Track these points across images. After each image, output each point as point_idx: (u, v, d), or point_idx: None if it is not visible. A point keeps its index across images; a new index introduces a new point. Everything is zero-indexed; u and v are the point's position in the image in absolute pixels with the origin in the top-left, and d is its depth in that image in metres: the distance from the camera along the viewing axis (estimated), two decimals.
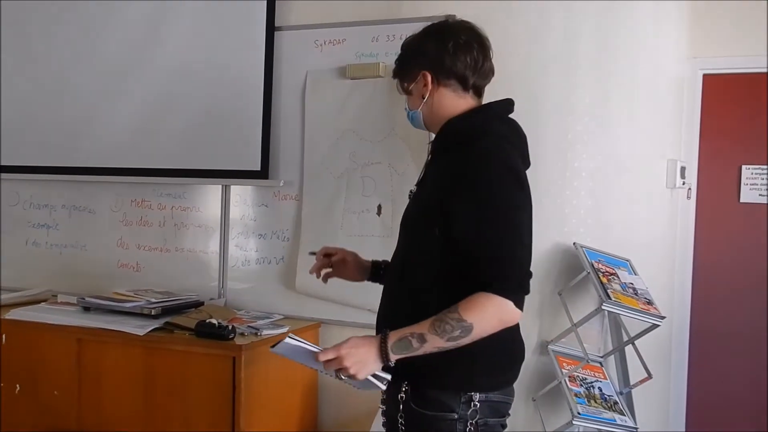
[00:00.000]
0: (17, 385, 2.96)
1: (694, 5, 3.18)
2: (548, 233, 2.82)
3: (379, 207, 2.97)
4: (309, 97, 3.10)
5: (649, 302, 2.67)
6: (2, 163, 3.64)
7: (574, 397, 2.56)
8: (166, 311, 2.91)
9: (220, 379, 2.62)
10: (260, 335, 2.73)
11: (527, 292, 1.71)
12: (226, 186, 3.27)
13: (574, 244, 2.78)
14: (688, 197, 3.31)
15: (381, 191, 2.97)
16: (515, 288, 1.68)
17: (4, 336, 2.98)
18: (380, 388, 1.72)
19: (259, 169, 3.14)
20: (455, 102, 1.87)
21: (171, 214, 3.38)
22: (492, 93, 2.83)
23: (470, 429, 1.77)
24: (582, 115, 2.81)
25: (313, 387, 3.08)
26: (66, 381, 2.90)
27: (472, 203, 1.70)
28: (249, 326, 2.81)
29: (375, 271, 2.14)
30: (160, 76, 3.33)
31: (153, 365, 2.76)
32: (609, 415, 2.57)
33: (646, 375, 2.62)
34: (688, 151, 3.29)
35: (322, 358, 1.68)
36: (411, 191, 1.94)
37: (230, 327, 2.68)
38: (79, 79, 3.49)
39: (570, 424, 2.51)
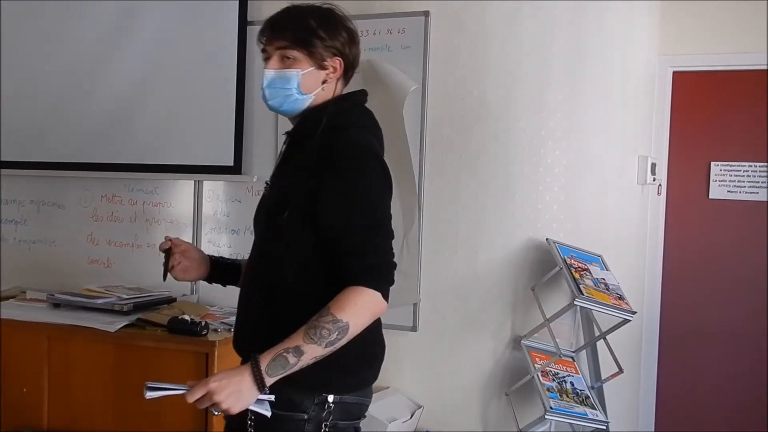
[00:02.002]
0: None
1: (664, 4, 3.22)
2: (521, 229, 2.84)
3: None
4: None
5: (621, 297, 2.70)
6: None
7: (547, 392, 2.58)
8: (138, 307, 2.88)
9: (193, 375, 2.59)
10: (233, 331, 2.71)
11: (392, 283, 1.68)
12: (198, 181, 3.24)
13: (546, 239, 2.80)
14: (659, 193, 3.35)
15: None
16: (384, 280, 1.65)
17: None
18: (265, 415, 1.59)
19: (232, 164, 3.12)
20: (331, 90, 1.79)
21: (142, 209, 3.34)
22: (466, 90, 2.86)
23: (322, 430, 1.70)
24: (554, 111, 2.83)
25: None
26: (35, 378, 2.86)
27: (340, 193, 1.64)
28: (222, 322, 2.79)
29: (214, 268, 1.97)
30: (132, 70, 3.28)
31: (124, 362, 2.73)
32: (581, 409, 2.59)
33: (617, 369, 2.65)
34: (659, 148, 3.33)
35: (191, 399, 1.54)
36: (266, 183, 1.84)
37: (203, 323, 2.66)
38: (49, 73, 3.43)
39: (542, 418, 2.53)
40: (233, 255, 3.17)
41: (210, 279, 1.97)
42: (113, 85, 3.31)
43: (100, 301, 2.89)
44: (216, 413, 1.57)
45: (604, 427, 2.64)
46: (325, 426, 1.70)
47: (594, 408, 2.66)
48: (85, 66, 3.35)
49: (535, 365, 2.68)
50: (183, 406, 2.41)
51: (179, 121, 3.21)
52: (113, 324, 2.74)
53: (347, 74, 1.81)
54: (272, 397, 1.58)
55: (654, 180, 3.21)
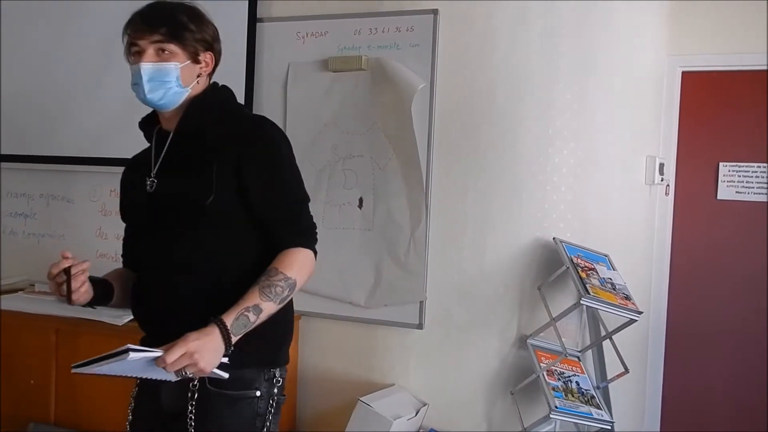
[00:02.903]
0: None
1: (673, 4, 3.20)
2: (528, 228, 2.84)
3: (361, 200, 2.97)
4: (291, 90, 3.09)
5: (627, 297, 2.70)
6: None
7: (552, 391, 2.59)
8: None
9: None
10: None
11: (317, 242, 1.81)
12: None
13: (553, 239, 2.80)
14: (667, 194, 3.34)
15: (362, 184, 2.97)
16: (314, 240, 1.80)
17: None
18: (223, 377, 1.62)
19: None
20: (204, 84, 1.86)
21: None
22: (474, 88, 2.86)
23: (271, 407, 1.78)
24: (562, 111, 2.83)
25: (292, 378, 3.08)
26: (43, 371, 2.88)
27: (268, 170, 1.75)
28: None
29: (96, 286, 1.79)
30: None
31: None
32: (586, 409, 2.60)
33: (623, 369, 2.65)
34: (667, 148, 3.32)
35: (171, 359, 1.52)
36: (151, 181, 1.81)
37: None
38: (59, 68, 3.45)
39: (547, 417, 2.53)
40: None
41: (93, 301, 1.78)
42: (123, 80, 3.30)
43: None
44: (190, 374, 1.57)
45: (609, 427, 2.64)
46: (272, 401, 1.79)
47: (599, 408, 2.66)
48: (96, 61, 3.36)
49: (541, 364, 2.68)
50: None
51: None
52: (121, 317, 2.76)
53: (214, 70, 1.88)
54: (226, 360, 1.61)
55: (662, 180, 3.20)
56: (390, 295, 2.91)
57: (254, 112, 3.12)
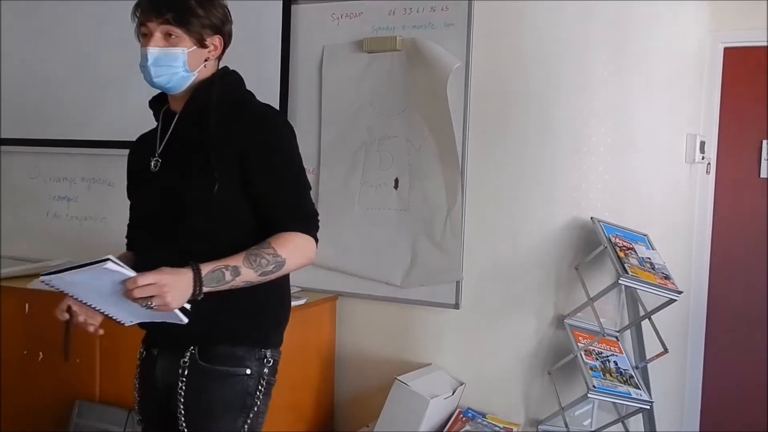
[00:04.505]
0: (40, 353, 3.01)
1: None
2: (565, 208, 2.82)
3: (396, 180, 2.97)
4: (326, 72, 3.10)
5: (667, 277, 2.67)
6: (21, 137, 3.67)
7: (590, 371, 2.58)
8: None
9: None
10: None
11: (318, 229, 1.81)
12: None
13: (591, 218, 2.77)
14: (708, 172, 3.28)
15: (398, 165, 2.97)
16: (316, 228, 1.79)
17: (27, 305, 3.03)
18: (182, 321, 1.60)
19: None
20: (212, 67, 1.85)
21: None
22: (509, 67, 2.84)
23: (261, 387, 1.77)
24: (599, 89, 2.80)
25: (330, 358, 3.12)
26: (87, 350, 2.95)
27: (270, 159, 1.75)
28: None
29: None
30: None
31: None
32: (624, 388, 2.58)
33: (662, 350, 2.62)
34: (708, 126, 3.26)
35: (141, 282, 1.52)
36: (155, 160, 1.83)
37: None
38: (101, 52, 3.50)
39: (585, 397, 2.52)
40: None
41: None
42: None
43: None
44: (152, 305, 1.54)
45: (648, 407, 2.62)
46: (263, 381, 1.78)
47: (638, 388, 2.64)
48: (134, 46, 3.39)
49: (578, 344, 2.67)
50: None
51: None
52: None
53: (224, 52, 1.87)
54: (189, 306, 1.61)
55: (703, 158, 3.15)
56: (426, 275, 2.92)
57: (290, 94, 3.14)
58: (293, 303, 2.78)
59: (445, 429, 2.77)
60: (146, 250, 1.85)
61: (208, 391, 1.74)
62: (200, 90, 1.80)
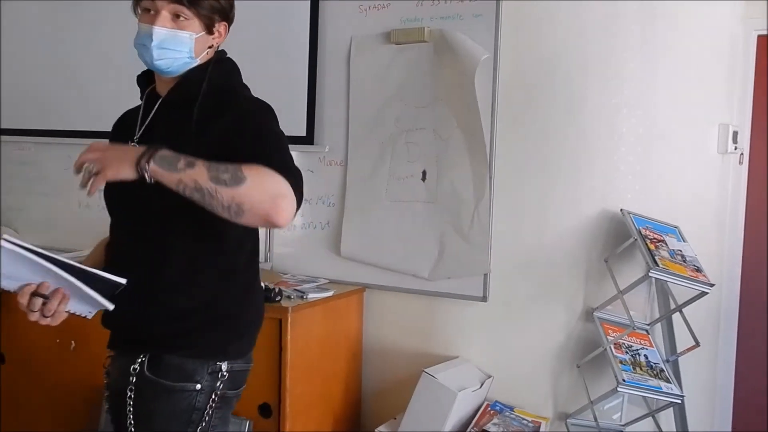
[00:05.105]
0: (72, 342, 3.05)
1: None
2: (594, 199, 2.79)
3: (424, 173, 2.97)
4: (354, 63, 3.10)
5: (698, 269, 2.63)
6: (53, 128, 3.72)
7: (620, 364, 2.55)
8: None
9: (267, 340, 2.66)
10: (306, 298, 2.77)
11: (298, 208, 1.56)
12: None
13: (621, 210, 2.74)
14: (741, 163, 3.23)
15: (426, 157, 2.96)
16: (297, 187, 1.53)
17: None
18: (108, 307, 1.54)
19: (304, 134, 3.15)
20: (212, 54, 1.76)
21: None
22: (537, 58, 2.81)
23: (211, 401, 1.68)
24: (628, 78, 2.76)
25: (357, 350, 3.12)
26: None
27: (263, 147, 1.59)
28: (295, 289, 2.85)
29: None
30: None
31: None
32: (655, 382, 2.55)
33: (693, 343, 2.59)
34: (741, 116, 3.20)
35: (89, 148, 1.48)
36: (133, 144, 1.72)
37: (277, 290, 2.72)
38: (126, 46, 3.52)
39: (615, 391, 2.50)
40: (305, 225, 3.22)
41: None
42: None
43: None
44: (92, 171, 1.46)
45: (680, 401, 2.59)
46: (215, 395, 1.69)
47: (669, 381, 2.61)
48: None
49: (608, 337, 2.64)
50: (258, 369, 2.47)
51: (252, 92, 3.25)
52: None
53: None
54: (111, 306, 1.55)
55: (735, 149, 3.10)
56: (454, 268, 2.91)
57: (317, 86, 3.14)
58: (320, 295, 2.83)
59: (473, 422, 2.76)
60: (118, 241, 1.78)
61: (152, 403, 1.66)
62: (190, 77, 1.70)
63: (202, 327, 1.67)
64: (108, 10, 3.57)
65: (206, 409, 1.68)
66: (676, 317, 2.70)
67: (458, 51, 2.85)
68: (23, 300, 1.52)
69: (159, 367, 1.64)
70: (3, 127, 3.86)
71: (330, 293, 2.89)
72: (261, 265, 3.25)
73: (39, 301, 1.52)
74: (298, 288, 2.87)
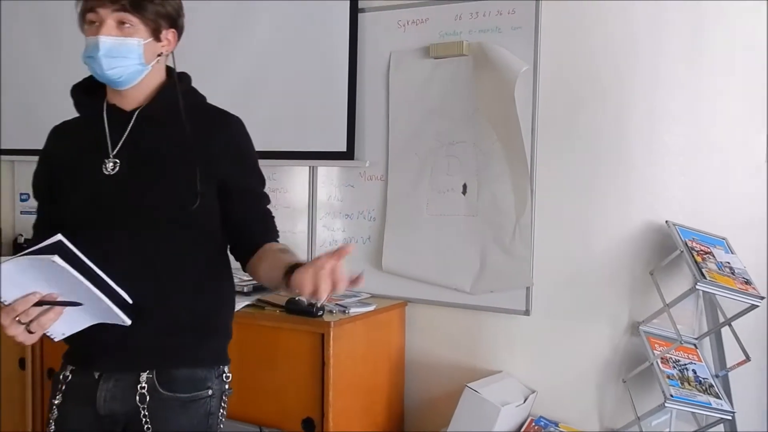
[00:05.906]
0: None
1: None
2: (638, 211, 2.75)
3: (465, 186, 2.96)
4: (393, 78, 3.11)
5: (748, 282, 2.57)
6: None
7: (667, 379, 2.50)
8: (257, 289, 2.99)
9: (310, 355, 2.68)
10: (348, 313, 2.78)
11: None
12: (313, 167, 3.32)
13: (666, 222, 2.70)
14: None
15: (466, 170, 2.95)
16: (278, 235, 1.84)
17: None
18: (125, 322, 1.50)
19: (344, 149, 3.18)
20: (164, 63, 1.74)
21: None
22: (578, 69, 2.79)
23: (223, 403, 1.73)
24: (672, 87, 2.72)
25: (400, 364, 3.12)
26: None
27: (246, 171, 1.78)
28: (337, 304, 2.86)
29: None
30: (247, 61, 3.40)
31: (245, 340, 2.83)
32: (704, 398, 2.50)
33: (744, 357, 2.53)
34: None
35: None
36: (114, 162, 1.65)
37: (319, 305, 2.73)
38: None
39: (662, 406, 2.45)
40: (346, 240, 3.24)
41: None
42: (230, 76, 3.44)
43: None
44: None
45: (730, 417, 2.53)
46: (224, 396, 1.74)
47: (718, 397, 2.55)
48: (203, 58, 3.49)
49: (655, 352, 2.59)
50: (300, 384, 2.48)
51: (293, 109, 3.29)
52: (236, 303, 2.86)
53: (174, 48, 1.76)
54: (128, 322, 1.51)
55: None
56: (496, 281, 2.89)
57: (357, 101, 3.17)
58: (362, 309, 2.84)
59: None
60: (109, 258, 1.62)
61: (172, 419, 1.63)
62: (166, 91, 1.70)
63: (206, 333, 1.70)
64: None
65: (219, 412, 1.73)
66: (725, 331, 2.64)
67: (497, 64, 2.85)
68: (22, 308, 1.44)
69: (171, 382, 1.64)
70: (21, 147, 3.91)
71: (372, 307, 2.89)
72: None
73: (35, 312, 1.45)
74: (340, 303, 2.88)
